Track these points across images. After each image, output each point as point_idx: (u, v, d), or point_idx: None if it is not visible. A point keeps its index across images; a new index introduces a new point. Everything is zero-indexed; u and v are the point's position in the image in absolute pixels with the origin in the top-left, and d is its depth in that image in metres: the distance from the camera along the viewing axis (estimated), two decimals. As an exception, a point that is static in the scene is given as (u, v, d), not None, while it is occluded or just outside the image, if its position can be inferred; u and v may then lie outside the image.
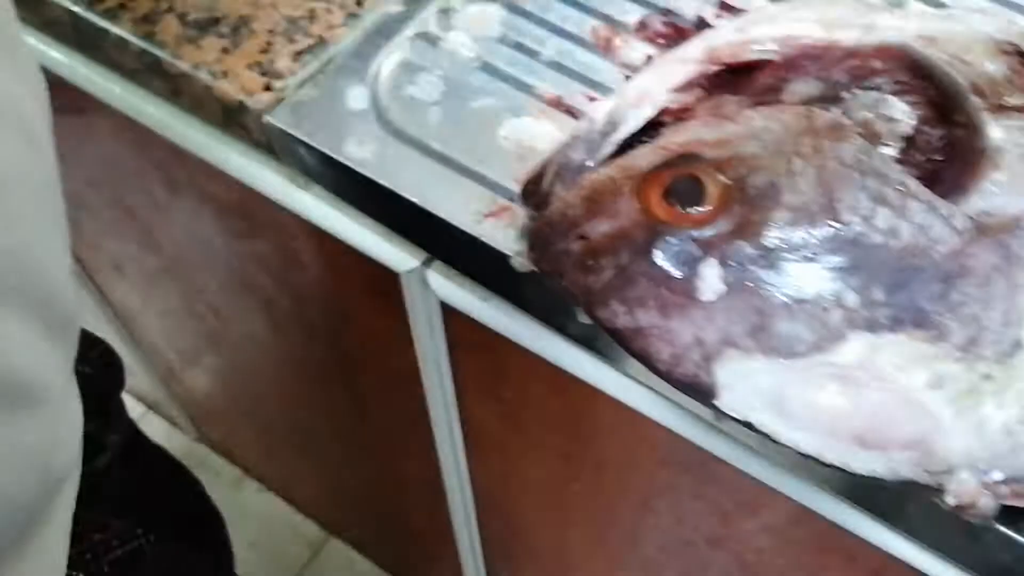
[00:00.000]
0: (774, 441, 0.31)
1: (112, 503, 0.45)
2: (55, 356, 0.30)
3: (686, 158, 0.33)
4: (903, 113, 0.34)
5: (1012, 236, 0.30)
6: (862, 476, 0.30)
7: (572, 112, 0.43)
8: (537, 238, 0.34)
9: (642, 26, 0.46)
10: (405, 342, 0.50)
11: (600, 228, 0.33)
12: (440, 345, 0.48)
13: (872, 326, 0.30)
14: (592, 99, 0.43)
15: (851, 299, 0.30)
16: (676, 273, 0.31)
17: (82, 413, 0.35)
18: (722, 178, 0.32)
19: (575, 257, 0.33)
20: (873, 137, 0.33)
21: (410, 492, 0.73)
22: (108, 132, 0.54)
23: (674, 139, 0.34)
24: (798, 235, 0.30)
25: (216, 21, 0.45)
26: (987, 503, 0.30)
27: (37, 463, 0.30)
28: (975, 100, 0.33)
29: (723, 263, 0.31)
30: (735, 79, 0.37)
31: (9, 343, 0.26)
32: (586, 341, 0.40)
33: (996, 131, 0.32)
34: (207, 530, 0.55)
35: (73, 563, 0.40)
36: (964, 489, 0.29)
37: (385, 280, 0.46)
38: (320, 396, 0.69)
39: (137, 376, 1.04)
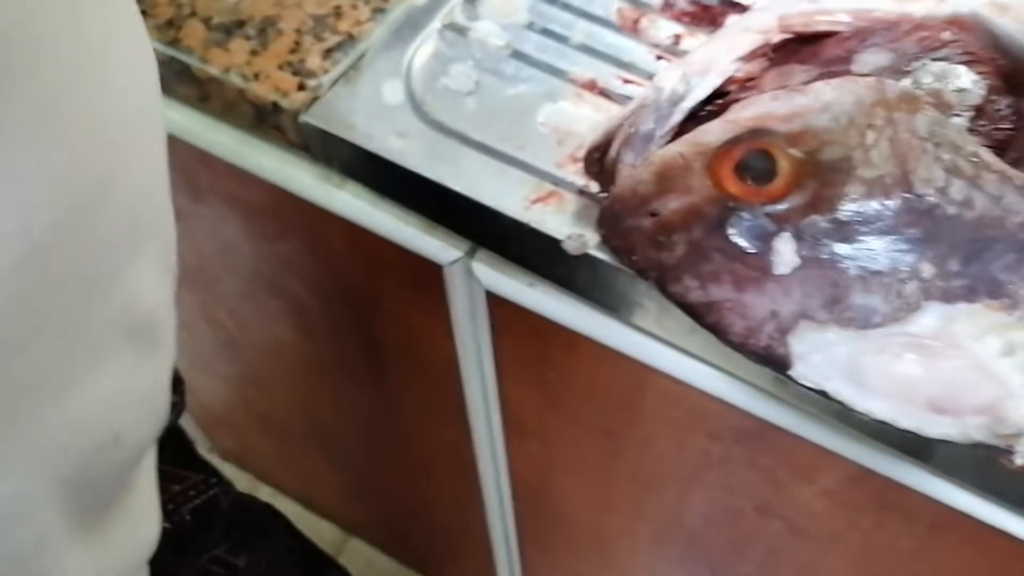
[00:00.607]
0: (849, 409, 0.31)
1: (173, 459, 0.46)
2: (170, 298, 0.31)
3: (757, 132, 0.33)
4: (972, 83, 0.34)
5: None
6: (936, 440, 0.31)
7: (607, 94, 0.43)
8: (607, 215, 0.35)
9: (667, 5, 0.46)
10: (443, 334, 0.50)
11: (671, 204, 0.33)
12: (483, 334, 0.48)
13: (947, 296, 0.30)
14: (626, 80, 0.44)
15: (927, 270, 0.30)
16: (750, 248, 0.32)
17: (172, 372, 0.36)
18: (794, 152, 0.32)
19: (647, 233, 0.33)
20: (944, 107, 0.33)
21: (441, 485, 0.73)
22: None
23: (743, 113, 0.34)
24: (873, 208, 0.30)
25: (241, 23, 0.45)
26: None
27: (155, 404, 0.31)
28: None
29: (798, 237, 0.31)
30: (802, 49, 0.37)
31: (146, 283, 0.28)
32: (639, 326, 0.40)
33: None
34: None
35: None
36: (1032, 451, 0.30)
37: (426, 273, 0.46)
38: (347, 396, 0.69)
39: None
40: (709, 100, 0.37)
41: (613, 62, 0.44)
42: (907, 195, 0.31)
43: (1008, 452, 0.31)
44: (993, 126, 0.33)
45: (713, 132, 0.34)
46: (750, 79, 0.38)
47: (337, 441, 0.80)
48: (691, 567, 0.60)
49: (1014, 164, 0.32)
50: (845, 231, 0.31)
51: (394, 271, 0.49)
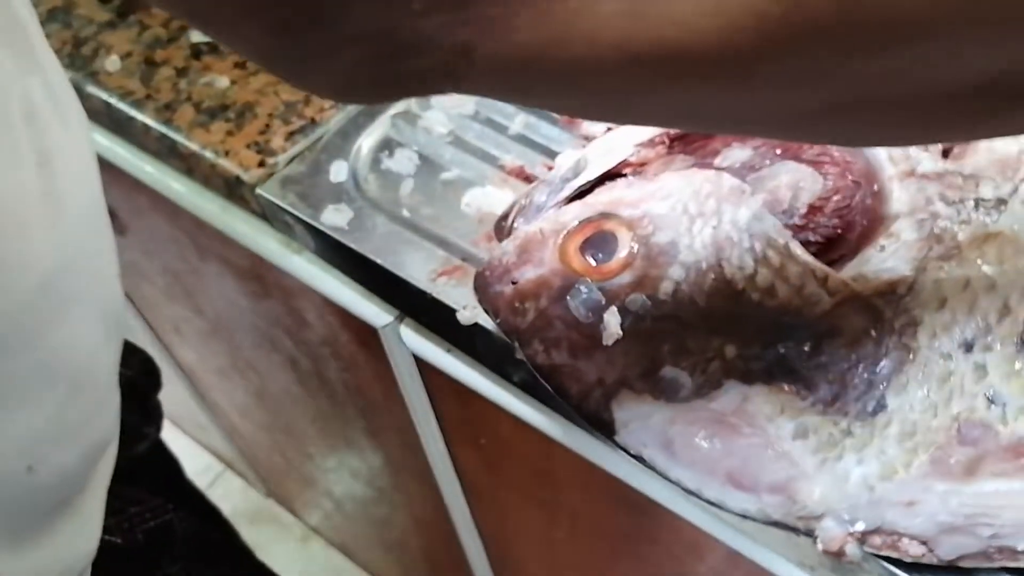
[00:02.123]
0: (664, 477, 0.33)
1: (148, 485, 0.51)
2: (108, 353, 0.37)
3: (606, 216, 0.36)
4: (811, 182, 0.36)
5: (884, 300, 0.32)
6: (738, 515, 0.32)
7: (531, 180, 0.47)
8: (479, 281, 0.38)
9: (605, 100, 0.49)
10: (396, 395, 0.54)
11: (527, 275, 0.36)
12: (422, 396, 0.52)
13: (747, 377, 0.32)
14: (551, 168, 0.47)
15: (730, 351, 0.32)
16: (584, 318, 0.34)
17: (119, 405, 0.41)
18: (631, 234, 0.35)
19: (507, 299, 0.36)
20: (776, 203, 0.35)
21: (436, 541, 0.76)
22: (148, 206, 0.61)
23: (601, 197, 0.38)
24: (687, 289, 0.33)
25: (225, 107, 0.51)
26: (854, 551, 0.31)
27: (82, 436, 0.36)
28: (890, 169, 0.35)
29: (623, 312, 0.34)
30: (696, 140, 0.40)
31: (74, 338, 0.33)
32: (527, 388, 0.43)
33: (899, 198, 0.34)
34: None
35: (112, 529, 0.46)
36: (830, 536, 0.31)
37: (369, 336, 0.50)
38: (352, 452, 0.74)
39: (210, 432, 1.12)
40: (605, 179, 0.40)
41: (544, 151, 0.48)
42: (717, 280, 0.33)
43: (809, 534, 0.32)
44: (825, 222, 0.34)
45: (571, 212, 0.37)
46: (643, 163, 0.41)
47: (355, 494, 0.84)
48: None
49: (838, 260, 0.33)
50: (662, 308, 0.33)
51: (351, 333, 0.54)
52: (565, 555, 0.57)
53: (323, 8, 0.16)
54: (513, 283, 0.36)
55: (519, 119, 0.49)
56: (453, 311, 0.42)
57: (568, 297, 0.35)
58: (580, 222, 0.36)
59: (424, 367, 0.49)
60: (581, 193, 0.38)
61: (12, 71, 0.29)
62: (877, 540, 0.31)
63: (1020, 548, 0.31)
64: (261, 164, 0.48)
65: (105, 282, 0.38)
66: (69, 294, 0.34)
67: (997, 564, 0.31)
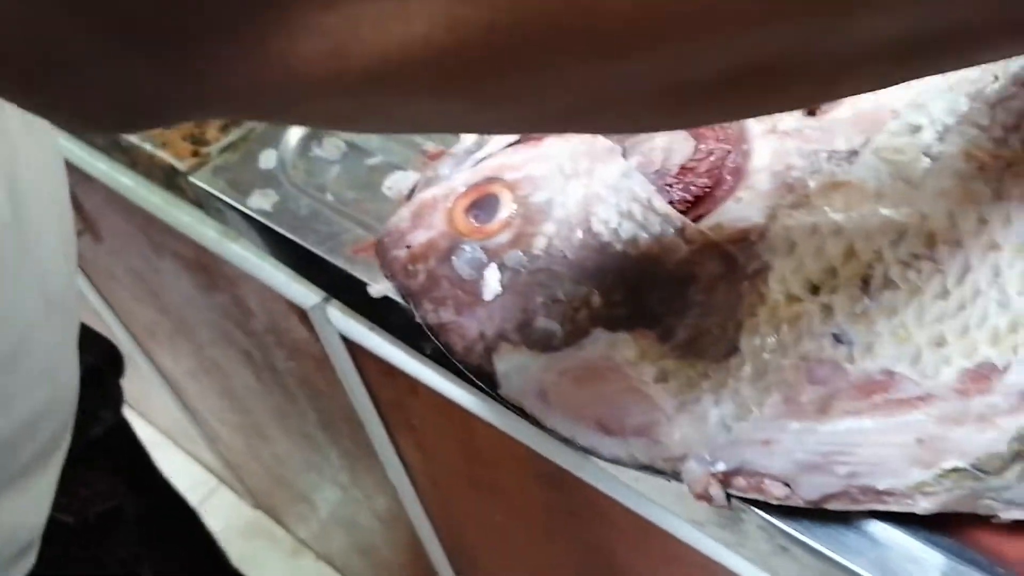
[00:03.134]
0: (541, 426, 0.34)
1: (108, 468, 0.53)
2: (48, 330, 0.38)
3: (491, 179, 0.38)
4: (682, 145, 0.37)
5: (738, 248, 0.33)
6: (611, 461, 0.33)
7: (451, 162, 0.48)
8: (379, 248, 0.40)
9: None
10: (338, 381, 0.55)
11: (419, 238, 0.38)
12: (356, 378, 0.53)
13: (611, 324, 0.33)
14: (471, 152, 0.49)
15: (596, 300, 0.34)
16: (467, 276, 0.36)
17: (75, 387, 0.43)
18: (511, 196, 0.36)
19: (401, 263, 0.38)
20: (649, 165, 0.36)
21: (399, 539, 0.77)
22: (104, 203, 0.64)
23: (490, 163, 0.39)
24: (558, 243, 0.34)
25: (164, 103, 0.53)
26: (718, 493, 0.32)
27: (14, 409, 0.38)
28: (756, 127, 0.36)
29: (501, 268, 0.35)
30: None
31: (12, 312, 0.35)
32: (441, 360, 0.44)
33: (761, 153, 0.35)
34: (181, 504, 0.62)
35: (64, 508, 0.48)
36: (694, 478, 0.32)
37: (304, 318, 0.52)
38: (312, 449, 0.75)
39: (199, 445, 1.13)
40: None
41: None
42: (585, 234, 0.34)
43: (676, 477, 0.33)
44: (694, 182, 0.35)
45: (461, 178, 0.39)
46: (544, 136, 0.42)
47: (325, 495, 0.85)
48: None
49: (701, 216, 0.34)
50: (536, 263, 0.34)
51: (289, 318, 0.55)
52: (509, 538, 0.58)
53: (61, 61, 0.17)
54: (407, 247, 0.37)
55: (443, 106, 0.51)
56: (362, 284, 0.44)
57: (453, 257, 0.36)
58: (468, 187, 0.37)
59: (353, 348, 0.51)
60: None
61: None
62: (742, 482, 0.32)
63: (881, 487, 0.31)
64: (195, 154, 0.50)
65: (51, 261, 0.40)
66: (17, 257, 0.36)
67: (864, 507, 0.32)
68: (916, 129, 0.32)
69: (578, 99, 0.19)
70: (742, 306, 0.32)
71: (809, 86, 0.20)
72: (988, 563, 0.32)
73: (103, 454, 0.54)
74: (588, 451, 0.34)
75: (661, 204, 0.33)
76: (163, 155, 0.51)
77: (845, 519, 0.33)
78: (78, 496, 0.51)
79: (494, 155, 0.39)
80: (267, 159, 0.50)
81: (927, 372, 0.30)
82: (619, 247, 0.33)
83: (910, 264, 0.30)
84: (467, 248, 0.36)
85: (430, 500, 0.62)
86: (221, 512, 1.29)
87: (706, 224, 0.33)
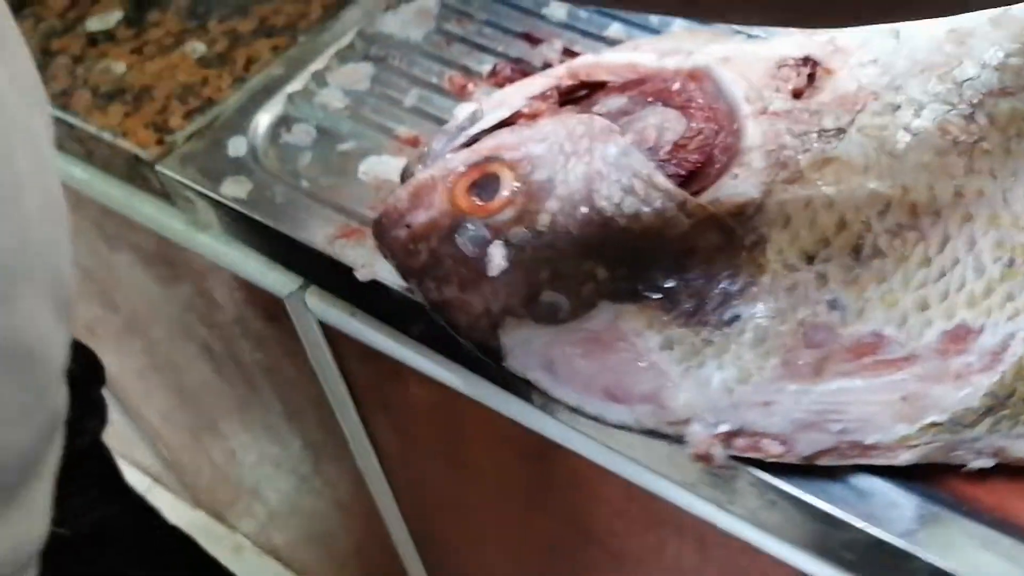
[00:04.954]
0: (548, 397, 0.35)
1: (87, 480, 0.52)
2: (60, 335, 0.37)
3: (490, 159, 0.39)
4: (676, 123, 0.39)
5: (736, 221, 0.34)
6: (617, 427, 0.35)
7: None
8: (377, 228, 0.40)
9: (494, 73, 0.52)
10: (306, 368, 0.55)
11: (419, 218, 0.38)
12: (332, 365, 0.53)
13: (617, 296, 0.34)
14: (441, 137, 0.49)
15: (601, 273, 0.35)
16: (471, 253, 0.37)
17: (67, 393, 0.41)
18: (512, 174, 0.37)
19: (402, 242, 0.38)
20: (644, 141, 0.38)
21: (362, 527, 0.77)
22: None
23: (486, 143, 0.40)
24: (562, 219, 0.35)
25: (123, 91, 0.52)
26: (720, 453, 0.34)
27: (34, 419, 0.37)
28: (746, 108, 0.38)
29: (506, 244, 0.36)
30: (586, 96, 0.43)
31: (34, 319, 0.34)
32: (427, 340, 0.44)
33: (753, 133, 0.37)
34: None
35: (58, 520, 0.46)
36: (698, 440, 0.34)
37: (276, 308, 0.51)
38: (273, 440, 0.75)
39: (135, 446, 1.10)
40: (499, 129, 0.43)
41: (437, 121, 0.50)
42: (589, 210, 0.35)
43: (680, 440, 0.35)
44: (687, 159, 0.37)
45: (459, 158, 0.39)
46: (536, 114, 0.43)
47: (281, 489, 0.84)
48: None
49: (700, 191, 0.36)
50: (541, 239, 0.36)
51: (259, 308, 0.55)
52: (482, 519, 0.59)
53: None
54: (407, 227, 0.38)
55: (413, 92, 0.51)
56: (349, 270, 0.44)
57: (456, 235, 0.37)
58: (467, 166, 0.38)
59: (331, 334, 0.51)
60: (473, 141, 0.40)
61: None
62: (741, 442, 0.34)
63: (868, 442, 0.33)
64: (160, 142, 0.50)
65: (59, 266, 0.39)
66: (25, 274, 0.35)
67: (851, 461, 0.34)
68: (896, 108, 0.34)
69: None
70: (742, 276, 0.33)
71: None
72: (956, 503, 0.35)
73: (85, 467, 0.53)
74: (595, 419, 0.35)
75: (662, 180, 0.35)
76: (125, 144, 0.50)
77: (831, 473, 0.36)
78: (71, 505, 0.49)
79: (489, 135, 0.40)
80: (236, 146, 0.49)
81: (912, 334, 0.33)
82: (622, 222, 0.35)
83: (896, 233, 0.33)
84: (470, 226, 0.37)
85: (400, 484, 0.63)
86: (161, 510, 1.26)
87: (704, 199, 0.34)
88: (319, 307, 0.49)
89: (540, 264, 0.35)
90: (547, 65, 0.52)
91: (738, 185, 0.34)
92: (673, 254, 0.34)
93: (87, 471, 0.52)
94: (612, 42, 0.52)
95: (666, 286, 0.34)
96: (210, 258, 0.52)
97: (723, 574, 0.45)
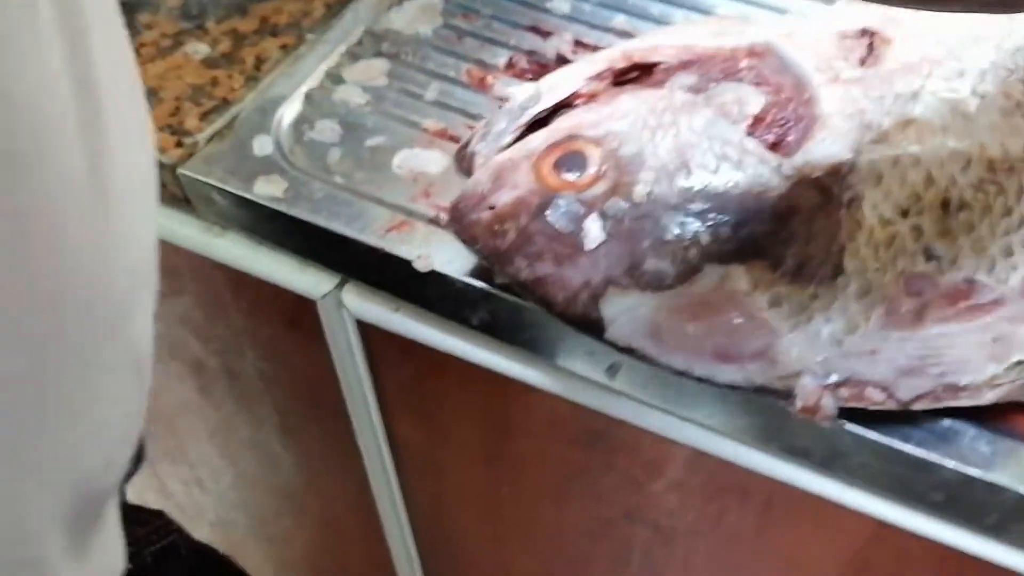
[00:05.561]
0: (654, 363, 0.36)
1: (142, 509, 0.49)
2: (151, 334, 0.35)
3: (571, 137, 0.39)
4: (752, 96, 0.40)
5: (832, 179, 0.36)
6: (726, 387, 0.36)
7: (456, 140, 0.49)
8: (455, 213, 0.40)
9: (510, 65, 0.52)
10: (327, 373, 0.54)
11: (504, 198, 0.38)
12: (361, 365, 0.52)
13: (722, 258, 0.36)
14: (472, 128, 0.49)
15: (705, 238, 0.36)
16: (565, 229, 0.37)
17: None
18: (599, 150, 0.38)
19: (485, 224, 0.38)
20: (725, 114, 0.39)
21: (352, 543, 0.75)
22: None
23: (563, 123, 0.41)
24: (660, 189, 0.36)
25: (127, 93, 0.50)
26: (828, 404, 0.35)
27: (135, 432, 0.35)
28: (817, 78, 0.40)
29: (603, 217, 0.37)
30: (640, 75, 0.44)
31: (142, 323, 0.32)
32: (487, 328, 0.44)
33: (828, 100, 0.39)
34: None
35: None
36: (807, 392, 0.35)
37: (303, 310, 0.50)
38: (256, 459, 0.72)
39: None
40: (558, 110, 0.43)
41: (462, 113, 0.50)
42: (685, 178, 0.36)
43: (788, 396, 0.36)
44: (774, 128, 0.39)
45: (538, 138, 0.40)
46: (593, 95, 0.44)
47: (257, 511, 0.81)
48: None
49: (786, 153, 0.38)
50: (639, 209, 0.36)
51: (277, 314, 0.53)
52: (510, 515, 0.59)
53: None
54: (491, 208, 0.38)
55: (433, 86, 0.51)
56: (403, 265, 0.43)
57: (547, 212, 0.37)
58: (549, 145, 0.38)
59: (368, 333, 0.50)
60: (536, 124, 0.41)
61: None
62: (845, 392, 0.35)
63: (962, 383, 0.36)
64: (179, 144, 0.47)
65: (155, 266, 0.37)
66: (147, 275, 0.34)
67: (943, 403, 0.36)
68: (961, 73, 0.37)
69: None
70: (842, 232, 0.35)
71: None
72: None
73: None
74: (704, 380, 0.36)
75: (754, 145, 0.36)
76: (141, 147, 0.47)
77: (911, 419, 0.37)
78: (134, 536, 0.46)
79: (561, 117, 0.40)
80: (262, 145, 0.48)
81: (1000, 279, 0.35)
82: (720, 187, 0.36)
83: (978, 187, 0.35)
84: (562, 202, 0.37)
85: (413, 489, 0.62)
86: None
87: (797, 162, 0.36)
88: (357, 305, 0.48)
89: (640, 234, 0.36)
90: (560, 56, 0.53)
91: (828, 147, 0.36)
92: (774, 215, 0.35)
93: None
94: (619, 32, 0.53)
95: (770, 246, 0.35)
96: (228, 263, 0.50)
97: (787, 537, 0.46)
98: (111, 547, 0.37)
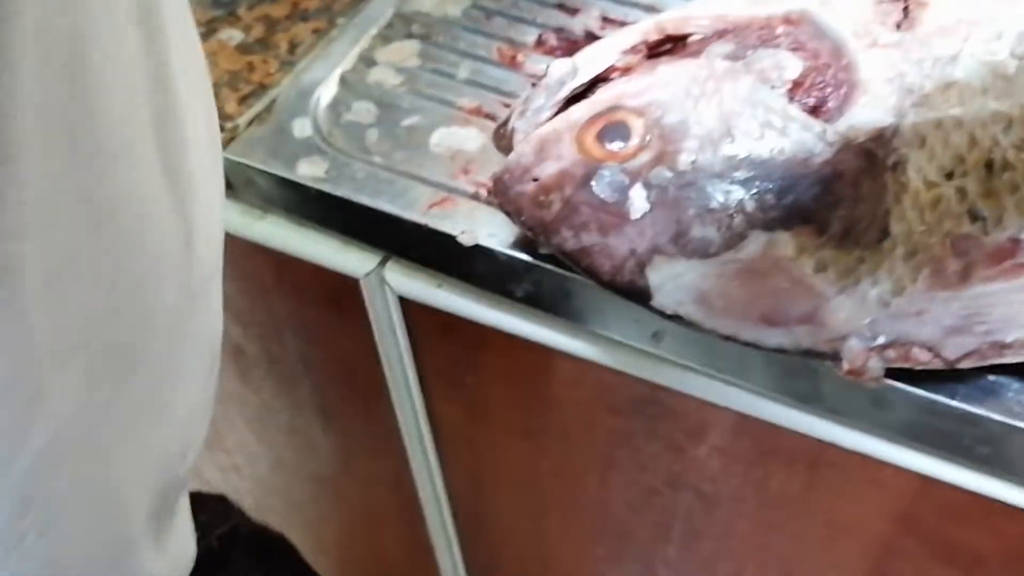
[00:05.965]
0: (700, 329, 0.37)
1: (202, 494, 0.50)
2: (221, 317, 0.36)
3: (613, 108, 0.40)
4: (791, 61, 0.41)
5: (875, 144, 0.37)
6: (773, 351, 0.36)
7: (492, 117, 0.49)
8: (498, 186, 0.40)
9: (540, 43, 0.53)
10: (368, 353, 0.55)
11: (548, 170, 0.39)
12: (403, 345, 0.53)
13: (768, 225, 0.36)
14: (507, 105, 0.50)
15: (750, 205, 0.36)
16: (610, 198, 0.37)
17: None
18: (642, 120, 0.38)
19: (530, 196, 0.39)
20: (765, 81, 0.40)
21: (387, 526, 0.76)
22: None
23: (604, 95, 0.41)
24: (704, 157, 0.37)
25: (166, 81, 0.50)
26: (875, 365, 0.36)
27: (208, 419, 0.37)
28: (854, 43, 0.40)
29: (647, 186, 0.37)
30: (674, 47, 0.44)
31: (217, 312, 0.33)
32: (531, 300, 0.45)
33: (868, 65, 0.39)
34: None
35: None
36: (855, 354, 0.35)
37: (345, 290, 0.51)
38: (294, 445, 0.73)
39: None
40: (595, 84, 0.44)
41: (496, 91, 0.51)
42: (729, 145, 0.37)
43: (835, 358, 0.36)
44: (812, 93, 0.39)
45: (579, 110, 0.40)
46: (629, 68, 0.44)
47: (296, 492, 0.82)
48: (627, 565, 0.63)
49: (827, 119, 0.38)
50: (684, 178, 0.37)
51: (318, 295, 0.54)
52: (550, 490, 0.60)
53: None
54: (535, 180, 0.38)
55: (465, 65, 0.52)
56: (447, 240, 0.44)
57: (592, 182, 0.38)
58: (591, 116, 0.39)
59: (409, 309, 0.50)
60: (575, 97, 0.41)
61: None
62: (891, 353, 0.36)
63: (1008, 340, 0.36)
64: (220, 129, 0.48)
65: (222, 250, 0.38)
66: (218, 258, 0.34)
67: (988, 361, 0.37)
68: (999, 36, 0.37)
69: None
70: (887, 195, 0.35)
71: None
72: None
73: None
74: (750, 344, 0.36)
75: (797, 112, 0.37)
76: (182, 133, 0.48)
77: (956, 377, 0.38)
78: (198, 523, 0.47)
79: (602, 88, 0.41)
80: (302, 128, 0.49)
81: (1043, 236, 0.35)
82: (765, 154, 0.36)
83: (1021, 147, 0.36)
84: (606, 172, 0.38)
85: (453, 468, 0.63)
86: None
87: (840, 127, 0.36)
88: (399, 282, 0.49)
89: (686, 202, 0.37)
90: (588, 33, 0.53)
91: (870, 112, 0.36)
92: (819, 180, 0.36)
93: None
94: (645, 7, 0.54)
95: (815, 211, 0.36)
96: (271, 246, 0.51)
97: (833, 499, 0.47)
98: (184, 533, 0.38)
